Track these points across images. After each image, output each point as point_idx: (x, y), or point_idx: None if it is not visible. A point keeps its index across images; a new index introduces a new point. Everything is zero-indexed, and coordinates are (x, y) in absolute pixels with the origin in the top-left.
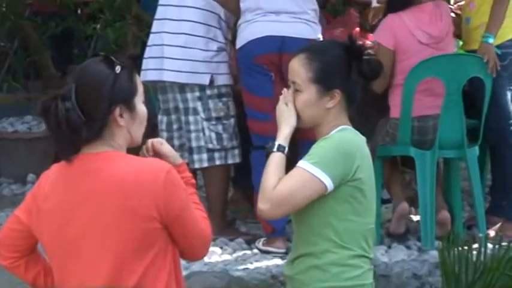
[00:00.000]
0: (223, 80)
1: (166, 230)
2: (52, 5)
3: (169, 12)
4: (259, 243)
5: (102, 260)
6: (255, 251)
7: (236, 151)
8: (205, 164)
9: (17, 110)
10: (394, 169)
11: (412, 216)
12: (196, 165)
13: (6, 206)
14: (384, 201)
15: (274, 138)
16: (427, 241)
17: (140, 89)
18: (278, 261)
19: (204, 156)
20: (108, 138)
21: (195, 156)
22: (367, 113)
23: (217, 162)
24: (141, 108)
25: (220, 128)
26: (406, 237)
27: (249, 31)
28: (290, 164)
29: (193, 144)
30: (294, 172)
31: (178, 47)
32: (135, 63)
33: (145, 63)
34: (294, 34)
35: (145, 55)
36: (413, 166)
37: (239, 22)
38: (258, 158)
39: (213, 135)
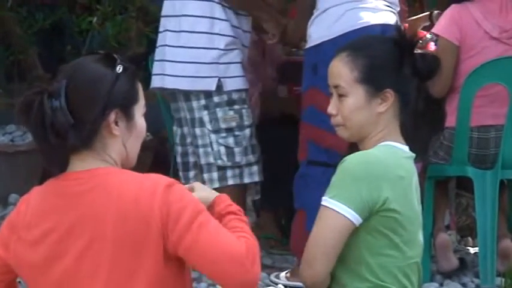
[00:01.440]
0: (234, 84)
1: (170, 258)
2: None
3: (172, 7)
4: (281, 277)
5: None
6: (281, 287)
7: (255, 168)
8: (216, 185)
9: None
10: (441, 192)
11: (469, 247)
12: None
13: None
14: None
15: (340, 154)
16: (486, 278)
17: (142, 99)
18: None
19: (215, 175)
20: (99, 149)
21: (205, 176)
22: (419, 126)
23: (230, 182)
24: (140, 120)
25: (231, 141)
26: (461, 272)
27: (346, 19)
28: None
29: (202, 161)
30: (318, 213)
31: (179, 47)
32: (140, 65)
33: (153, 68)
34: (392, 22)
35: (155, 58)
36: (471, 189)
37: (321, 8)
38: (316, 176)
39: (223, 149)
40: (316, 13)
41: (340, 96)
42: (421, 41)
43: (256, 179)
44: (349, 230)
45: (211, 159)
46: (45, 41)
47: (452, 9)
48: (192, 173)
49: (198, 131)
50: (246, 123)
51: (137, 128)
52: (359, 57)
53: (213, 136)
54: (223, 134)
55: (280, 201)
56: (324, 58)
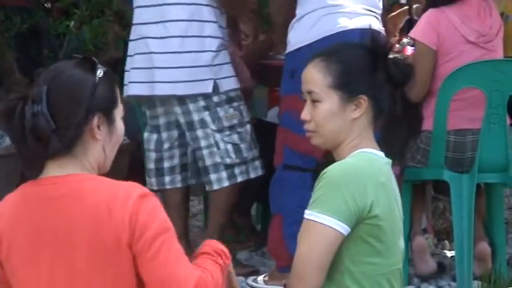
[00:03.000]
0: (229, 84)
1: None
2: None
3: (151, 14)
4: (259, 281)
5: None
6: None
7: (257, 162)
8: (226, 183)
9: None
10: (418, 196)
11: (446, 251)
12: (215, 187)
13: None
14: None
15: (315, 159)
16: (463, 281)
17: (120, 103)
18: None
19: (224, 174)
20: (79, 155)
21: (212, 176)
22: (395, 130)
23: (239, 179)
24: (119, 124)
25: (236, 137)
26: (439, 276)
27: (322, 25)
28: None
29: (208, 162)
30: (302, 227)
31: (169, 53)
32: (117, 69)
33: (128, 76)
34: (371, 27)
35: (128, 66)
36: (448, 192)
37: (300, 14)
38: (292, 180)
39: (230, 147)
40: (295, 19)
41: (314, 102)
42: (398, 45)
43: (260, 173)
44: (339, 241)
45: (218, 159)
46: (22, 44)
47: (430, 13)
48: (167, 178)
49: (200, 133)
50: (246, 119)
51: (117, 132)
52: (333, 62)
53: (217, 135)
54: (228, 132)
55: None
56: (301, 63)
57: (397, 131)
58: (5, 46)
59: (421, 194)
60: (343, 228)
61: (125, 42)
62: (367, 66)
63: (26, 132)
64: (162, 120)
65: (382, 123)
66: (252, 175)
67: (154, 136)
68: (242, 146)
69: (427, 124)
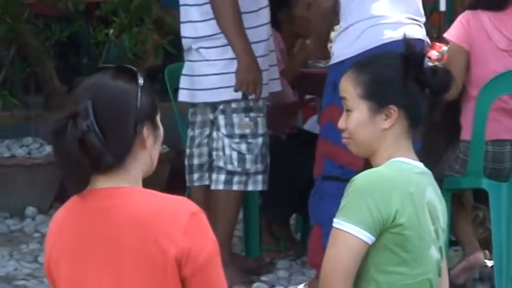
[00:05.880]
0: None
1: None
2: (56, 6)
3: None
4: None
5: None
6: None
7: (259, 177)
8: (220, 187)
9: (15, 130)
10: (462, 205)
11: (486, 260)
12: (212, 186)
13: (2, 244)
14: (452, 243)
15: (354, 172)
16: None
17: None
18: None
19: (222, 177)
20: (129, 166)
21: (214, 176)
22: (433, 137)
23: (235, 188)
24: (161, 128)
25: (243, 147)
26: (480, 283)
27: (366, 37)
28: None
29: (215, 162)
30: (330, 235)
31: (199, 62)
32: (156, 77)
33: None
34: (414, 36)
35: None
36: (487, 201)
37: (344, 26)
38: (331, 190)
39: (235, 154)
40: (339, 30)
41: (347, 111)
42: (437, 53)
43: (260, 188)
44: (364, 250)
45: (221, 163)
46: (61, 53)
47: (464, 14)
48: (196, 176)
49: (214, 134)
50: (260, 131)
51: (160, 137)
52: (362, 73)
53: (226, 140)
54: (237, 140)
55: (277, 210)
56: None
57: (435, 138)
58: (44, 54)
59: (465, 204)
60: (367, 237)
61: (164, 50)
62: (397, 76)
63: (77, 149)
64: (199, 118)
65: (422, 131)
66: (250, 187)
67: (191, 133)
68: (248, 156)
69: (466, 134)
